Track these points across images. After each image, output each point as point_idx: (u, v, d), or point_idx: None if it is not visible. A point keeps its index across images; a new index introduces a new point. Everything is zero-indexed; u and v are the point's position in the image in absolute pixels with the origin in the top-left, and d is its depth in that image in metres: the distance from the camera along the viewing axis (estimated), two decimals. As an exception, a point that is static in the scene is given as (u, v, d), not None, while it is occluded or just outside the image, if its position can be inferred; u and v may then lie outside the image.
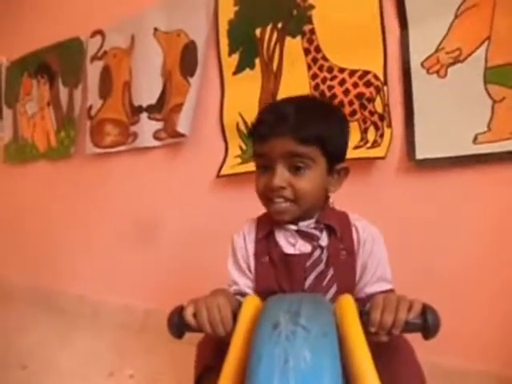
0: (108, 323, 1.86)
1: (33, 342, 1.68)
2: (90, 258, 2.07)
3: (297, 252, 0.78)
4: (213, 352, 0.69)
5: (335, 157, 0.77)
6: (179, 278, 1.67)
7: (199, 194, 1.68)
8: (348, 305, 0.57)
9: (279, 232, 0.81)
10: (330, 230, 0.79)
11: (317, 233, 0.78)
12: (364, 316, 0.57)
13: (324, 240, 0.78)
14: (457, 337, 1.11)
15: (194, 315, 0.62)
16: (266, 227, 0.82)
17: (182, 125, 1.64)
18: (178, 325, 0.63)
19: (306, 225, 0.79)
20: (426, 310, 0.57)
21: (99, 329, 1.83)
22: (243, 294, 0.77)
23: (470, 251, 1.16)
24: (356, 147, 1.28)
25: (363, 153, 1.26)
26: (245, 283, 0.81)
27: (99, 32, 1.98)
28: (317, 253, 0.77)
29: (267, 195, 0.76)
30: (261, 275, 0.80)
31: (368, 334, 0.55)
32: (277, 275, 0.79)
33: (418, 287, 1.00)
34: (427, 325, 0.56)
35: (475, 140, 1.14)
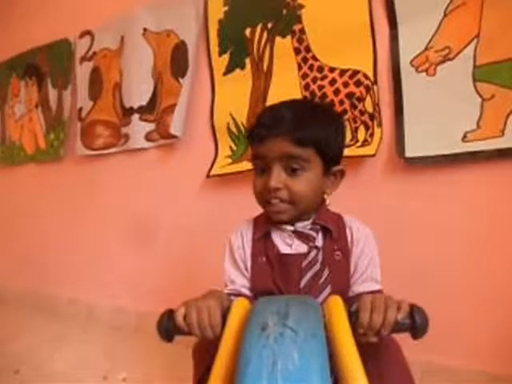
0: (101, 326, 1.85)
1: (25, 345, 1.67)
2: (81, 261, 2.05)
3: (293, 252, 0.79)
4: (212, 353, 0.69)
5: (331, 159, 0.78)
6: (171, 280, 1.66)
7: (191, 195, 1.67)
8: (336, 306, 0.57)
9: (276, 232, 0.82)
10: (326, 231, 0.80)
11: (313, 233, 0.79)
12: (353, 317, 0.57)
13: (320, 241, 0.79)
14: (450, 335, 1.12)
15: (185, 318, 0.62)
16: (263, 228, 0.83)
17: (175, 127, 1.63)
18: (167, 328, 0.63)
19: (303, 225, 0.80)
20: (414, 310, 0.57)
21: (92, 332, 1.81)
22: (240, 295, 0.77)
23: (460, 249, 1.17)
24: (346, 146, 1.28)
25: (353, 151, 1.27)
26: (241, 282, 0.82)
27: (88, 33, 1.97)
28: (313, 253, 0.78)
29: (264, 196, 0.78)
30: (257, 275, 0.81)
31: (357, 334, 0.55)
32: (273, 275, 0.79)
33: (408, 285, 1.01)
34: (416, 325, 0.56)
35: (464, 138, 1.15)
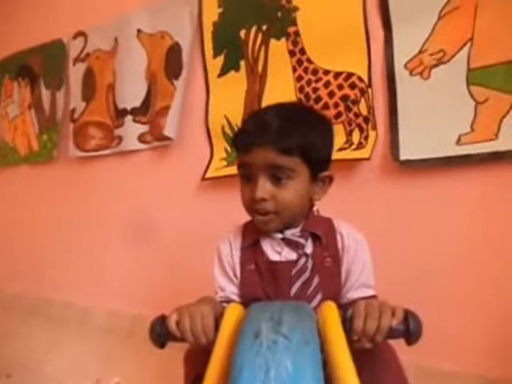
0: (95, 330, 1.83)
1: (18, 349, 1.65)
2: (75, 264, 2.03)
3: (282, 260, 0.78)
4: (203, 360, 0.69)
5: (319, 165, 0.77)
6: (166, 283, 1.65)
7: (186, 198, 1.67)
8: (330, 312, 0.57)
9: (265, 240, 0.81)
10: (315, 238, 0.79)
11: (302, 241, 0.78)
12: (347, 323, 0.57)
13: (309, 248, 0.78)
14: (446, 339, 1.12)
15: (177, 324, 0.61)
16: (252, 235, 0.82)
17: (169, 129, 1.62)
18: (160, 334, 0.62)
19: (292, 233, 0.79)
20: (408, 315, 0.57)
21: (86, 335, 1.80)
22: (230, 302, 0.76)
23: (456, 252, 1.16)
24: (341, 149, 1.28)
25: (348, 154, 1.27)
26: (231, 290, 0.81)
27: (81, 34, 1.96)
28: (302, 261, 0.77)
29: (251, 206, 0.76)
30: (246, 283, 0.80)
31: (351, 340, 0.54)
32: (262, 283, 0.78)
33: (404, 290, 1.01)
34: (410, 331, 0.56)
35: (458, 141, 1.15)
